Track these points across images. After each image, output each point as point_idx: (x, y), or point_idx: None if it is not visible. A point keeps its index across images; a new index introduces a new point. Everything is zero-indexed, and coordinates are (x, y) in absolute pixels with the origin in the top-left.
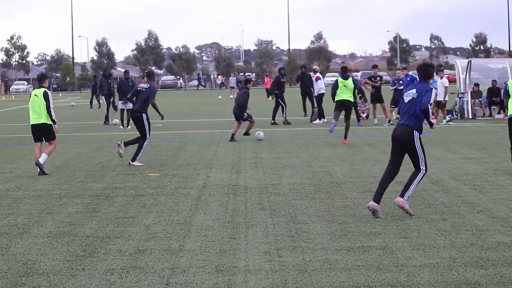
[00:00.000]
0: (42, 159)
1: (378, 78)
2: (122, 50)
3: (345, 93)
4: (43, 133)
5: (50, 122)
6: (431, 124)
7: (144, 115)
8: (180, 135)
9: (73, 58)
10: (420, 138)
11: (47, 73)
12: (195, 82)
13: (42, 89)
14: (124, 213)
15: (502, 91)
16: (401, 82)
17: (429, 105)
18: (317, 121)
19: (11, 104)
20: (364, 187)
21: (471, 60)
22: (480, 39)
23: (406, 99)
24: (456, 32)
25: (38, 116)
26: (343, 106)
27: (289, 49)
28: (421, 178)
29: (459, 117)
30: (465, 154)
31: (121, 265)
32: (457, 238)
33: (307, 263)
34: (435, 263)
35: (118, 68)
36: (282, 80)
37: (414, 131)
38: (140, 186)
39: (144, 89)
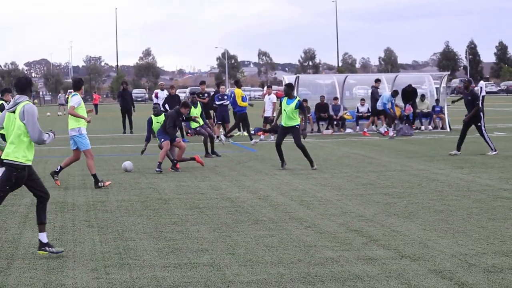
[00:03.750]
0: None
1: (205, 95)
2: None
3: None
4: None
5: None
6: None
7: None
8: None
9: None
10: None
11: None
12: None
13: None
14: None
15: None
16: (225, 97)
17: None
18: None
19: None
20: (192, 204)
21: (298, 76)
22: (309, 55)
23: None
24: (284, 48)
25: None
26: None
27: (117, 65)
28: None
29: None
30: (293, 170)
31: None
32: (284, 254)
33: (134, 280)
34: (262, 279)
35: None
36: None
37: None
38: None
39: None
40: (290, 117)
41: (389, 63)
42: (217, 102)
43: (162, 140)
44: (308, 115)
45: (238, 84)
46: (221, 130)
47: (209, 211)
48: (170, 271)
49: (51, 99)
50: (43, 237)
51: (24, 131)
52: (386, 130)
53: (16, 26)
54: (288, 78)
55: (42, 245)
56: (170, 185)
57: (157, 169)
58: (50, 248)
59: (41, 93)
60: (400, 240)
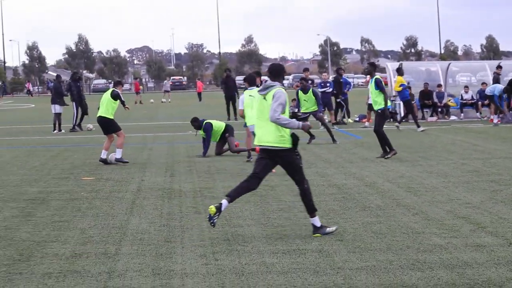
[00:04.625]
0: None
1: (309, 82)
2: (53, 54)
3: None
4: None
5: None
6: None
7: None
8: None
9: (4, 62)
10: None
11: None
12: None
13: None
14: (59, 217)
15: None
16: (328, 84)
17: None
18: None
19: None
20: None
21: (402, 63)
22: (411, 42)
23: None
24: (387, 35)
25: None
26: None
27: (219, 53)
28: None
29: (391, 120)
30: (399, 157)
31: (58, 269)
32: (393, 241)
33: (243, 266)
34: (371, 266)
35: (49, 72)
36: (341, 80)
37: None
38: (75, 189)
39: None
40: (374, 101)
41: (491, 50)
42: (320, 90)
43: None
44: (413, 102)
45: (400, 71)
46: (327, 116)
47: (316, 197)
48: (278, 257)
49: (154, 86)
50: (316, 222)
51: None
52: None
53: (118, 12)
54: (391, 65)
55: (316, 229)
56: (277, 171)
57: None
58: (326, 229)
59: (144, 80)
60: (508, 227)
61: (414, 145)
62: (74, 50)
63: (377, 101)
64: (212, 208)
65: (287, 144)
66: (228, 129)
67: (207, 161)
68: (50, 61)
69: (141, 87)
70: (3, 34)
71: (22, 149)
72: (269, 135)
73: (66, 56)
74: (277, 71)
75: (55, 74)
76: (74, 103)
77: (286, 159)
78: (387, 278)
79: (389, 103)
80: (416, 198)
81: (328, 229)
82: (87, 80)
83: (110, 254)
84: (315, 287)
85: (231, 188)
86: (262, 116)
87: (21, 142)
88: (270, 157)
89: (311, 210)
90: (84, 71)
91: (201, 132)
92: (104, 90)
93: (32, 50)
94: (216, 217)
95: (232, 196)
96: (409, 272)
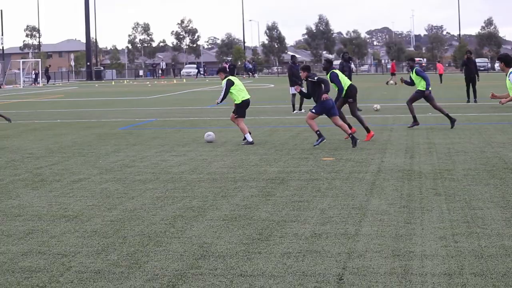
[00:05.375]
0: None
1: None
2: (292, 35)
3: None
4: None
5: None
6: None
7: None
8: (352, 119)
9: (244, 42)
10: None
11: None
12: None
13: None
14: (299, 197)
15: None
16: None
17: None
18: None
19: (182, 88)
20: None
21: None
22: None
23: None
24: None
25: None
26: None
27: (459, 35)
28: None
29: None
30: None
31: (297, 248)
32: None
33: (482, 249)
34: None
35: (289, 53)
36: None
37: None
38: (315, 170)
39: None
40: None
41: None
42: None
43: None
44: None
45: None
46: None
47: None
48: None
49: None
50: None
51: None
52: None
53: None
54: None
55: None
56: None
57: None
58: None
59: (383, 61)
60: None
61: None
62: (314, 31)
63: None
64: None
65: None
66: None
67: (446, 143)
68: (290, 41)
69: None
70: (243, 14)
71: (262, 129)
72: None
73: (306, 36)
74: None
75: (290, 55)
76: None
77: None
78: None
79: None
80: None
81: None
82: None
83: (349, 234)
84: None
85: (470, 170)
86: None
87: (261, 122)
88: None
89: None
90: (324, 52)
91: None
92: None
93: (272, 31)
94: None
95: None
96: None
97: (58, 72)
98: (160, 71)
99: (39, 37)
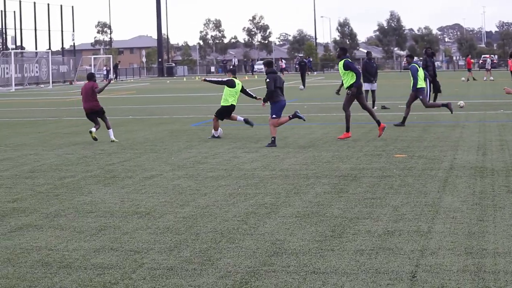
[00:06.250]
0: None
1: None
2: (364, 31)
3: None
4: None
5: None
6: None
7: None
8: (424, 116)
9: (315, 38)
10: None
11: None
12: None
13: None
14: (372, 194)
15: None
16: None
17: None
18: None
19: (254, 84)
20: None
21: None
22: None
23: None
24: None
25: None
26: None
27: None
28: None
29: None
30: None
31: (370, 246)
32: None
33: None
34: None
35: (360, 49)
36: None
37: None
38: (387, 167)
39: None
40: None
41: None
42: None
43: None
44: None
45: None
46: None
47: None
48: None
49: (464, 64)
50: None
51: None
52: None
53: None
54: None
55: None
56: None
57: None
58: None
59: (454, 58)
60: None
61: None
62: (386, 27)
63: None
64: None
65: None
66: None
67: None
68: (361, 37)
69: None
70: (314, 11)
71: (334, 125)
72: None
73: (377, 33)
74: None
75: (365, 51)
76: (427, 80)
77: None
78: None
79: None
80: None
81: None
82: (398, 58)
83: (422, 232)
84: None
85: None
86: None
87: (333, 119)
88: None
89: None
90: (395, 48)
91: None
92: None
93: (343, 27)
94: None
95: None
96: None
97: (130, 69)
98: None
99: (110, 33)
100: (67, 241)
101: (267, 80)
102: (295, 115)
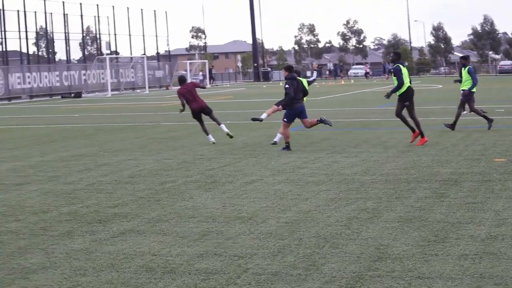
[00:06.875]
0: None
1: None
2: (458, 35)
3: None
4: None
5: None
6: None
7: None
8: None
9: (410, 42)
10: None
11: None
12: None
13: None
14: (473, 198)
15: None
16: None
17: None
18: None
19: (350, 88)
20: None
21: None
22: None
23: None
24: None
25: None
26: None
27: None
28: None
29: None
30: None
31: (473, 250)
32: None
33: None
34: None
35: (455, 53)
36: None
37: None
38: (487, 171)
39: None
40: None
41: None
42: None
43: None
44: None
45: None
46: None
47: None
48: None
49: None
50: None
51: None
52: None
53: None
54: None
55: None
56: None
57: None
58: None
59: None
60: None
61: None
62: (480, 31)
63: None
64: None
65: None
66: None
67: None
68: (456, 41)
69: None
70: (408, 15)
71: (432, 129)
72: None
73: (471, 37)
74: None
75: (460, 55)
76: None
77: None
78: None
79: None
80: None
81: None
82: (493, 61)
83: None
84: None
85: None
86: None
87: (431, 123)
88: None
89: None
90: (490, 52)
91: None
92: (509, 72)
93: (438, 31)
94: None
95: None
96: None
97: (225, 73)
98: (327, 72)
99: (204, 38)
100: (170, 246)
101: (286, 86)
102: (321, 120)
